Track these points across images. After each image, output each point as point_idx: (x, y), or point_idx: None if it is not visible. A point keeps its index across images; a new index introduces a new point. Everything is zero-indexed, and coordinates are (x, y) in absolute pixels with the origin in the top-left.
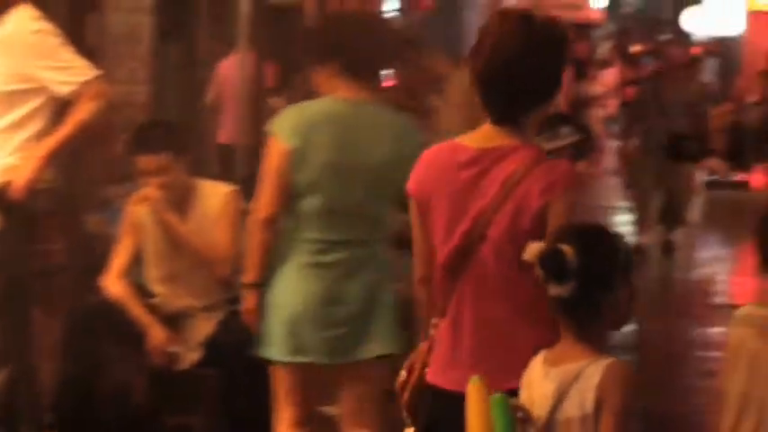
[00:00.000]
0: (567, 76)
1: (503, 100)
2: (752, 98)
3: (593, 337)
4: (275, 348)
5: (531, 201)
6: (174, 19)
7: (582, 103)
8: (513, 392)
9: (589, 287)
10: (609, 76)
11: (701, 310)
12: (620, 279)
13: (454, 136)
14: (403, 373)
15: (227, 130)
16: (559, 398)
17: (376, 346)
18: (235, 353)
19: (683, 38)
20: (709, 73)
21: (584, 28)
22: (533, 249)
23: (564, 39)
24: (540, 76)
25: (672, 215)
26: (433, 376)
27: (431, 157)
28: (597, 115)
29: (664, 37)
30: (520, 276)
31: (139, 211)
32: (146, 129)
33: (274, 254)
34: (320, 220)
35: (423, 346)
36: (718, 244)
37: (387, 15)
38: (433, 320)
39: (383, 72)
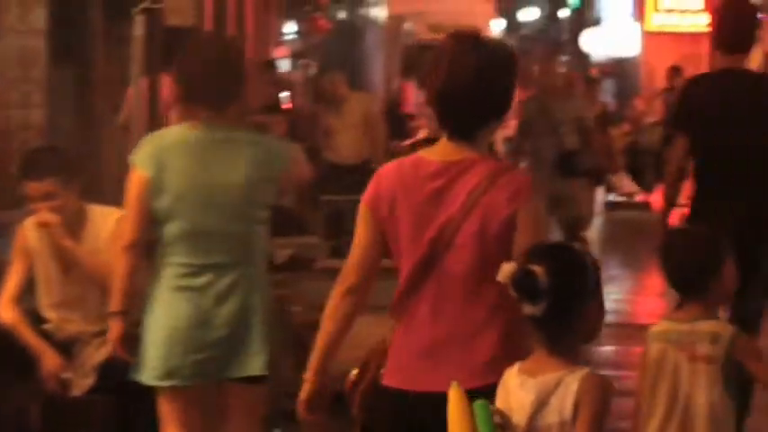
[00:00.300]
0: None
1: (460, 117)
2: (650, 119)
3: (566, 350)
4: (149, 372)
5: (500, 209)
6: (69, 42)
7: None
8: (472, 393)
9: (561, 304)
10: None
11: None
12: (589, 294)
13: (350, 156)
14: (354, 372)
15: None
16: (539, 406)
17: (244, 367)
18: (128, 378)
19: (583, 59)
20: (606, 94)
21: None
22: (506, 270)
23: (513, 59)
24: (494, 95)
25: (569, 235)
26: (391, 376)
27: (390, 171)
28: (498, 136)
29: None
30: (483, 282)
31: (31, 235)
32: (33, 155)
33: (149, 279)
34: (185, 245)
35: (378, 346)
36: (618, 265)
37: (287, 38)
38: (391, 323)
39: (233, 96)
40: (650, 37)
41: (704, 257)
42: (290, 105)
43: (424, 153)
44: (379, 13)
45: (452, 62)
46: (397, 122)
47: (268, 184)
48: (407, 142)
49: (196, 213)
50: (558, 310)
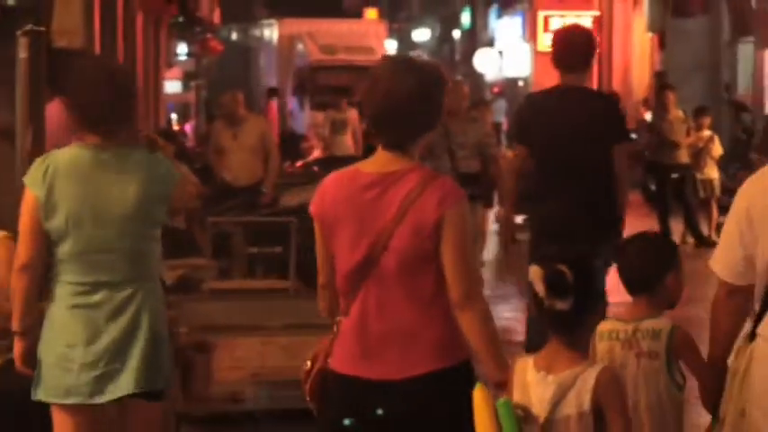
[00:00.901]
0: (356, 119)
1: (394, 131)
2: None
3: (580, 345)
4: (45, 390)
5: (429, 213)
6: None
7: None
8: (415, 380)
9: (585, 301)
10: None
11: None
12: (602, 295)
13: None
14: (307, 363)
15: None
16: (558, 399)
17: (130, 383)
18: (15, 400)
19: (476, 79)
20: (499, 114)
21: None
22: (535, 271)
23: (442, 78)
24: (425, 111)
25: None
26: (339, 365)
27: (331, 183)
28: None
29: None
30: (419, 277)
31: None
32: None
33: (47, 297)
34: (77, 264)
35: (325, 339)
36: (512, 284)
37: (178, 60)
38: (337, 318)
39: (125, 119)
40: (541, 57)
41: (653, 261)
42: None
43: (360, 165)
44: (272, 34)
45: (389, 82)
46: (289, 143)
47: (158, 203)
48: (300, 163)
49: (87, 233)
50: (582, 306)
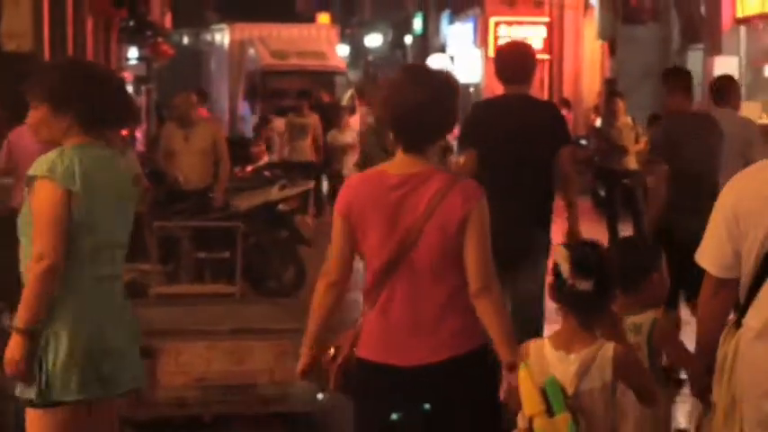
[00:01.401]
0: (318, 124)
1: (413, 135)
2: None
3: (595, 325)
4: (75, 387)
5: (455, 211)
6: None
7: (335, 151)
8: (439, 364)
9: (605, 282)
10: (354, 123)
11: None
12: (616, 282)
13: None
14: (331, 352)
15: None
16: (582, 375)
17: (135, 379)
18: None
19: None
20: None
21: (330, 75)
22: (562, 252)
23: (456, 85)
24: (441, 116)
25: None
26: (369, 354)
27: (357, 182)
28: (350, 163)
29: None
30: (445, 270)
31: None
32: None
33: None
34: (98, 257)
35: (350, 332)
36: None
37: (129, 64)
38: (363, 309)
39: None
40: (492, 63)
41: (639, 262)
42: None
43: (385, 167)
44: (223, 39)
45: (404, 91)
46: (239, 148)
47: (135, 201)
48: (251, 168)
49: (110, 227)
50: (603, 288)
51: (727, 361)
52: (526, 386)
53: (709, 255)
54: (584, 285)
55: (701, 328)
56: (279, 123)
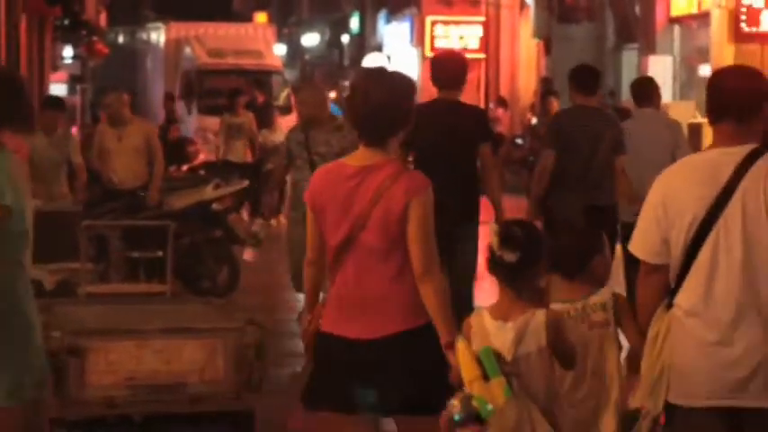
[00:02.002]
0: (253, 124)
1: (374, 131)
2: None
3: (526, 295)
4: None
5: (398, 200)
6: None
7: (268, 151)
8: (387, 338)
9: (530, 256)
10: (287, 123)
11: None
12: (542, 256)
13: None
14: (305, 325)
15: None
16: (518, 341)
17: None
18: None
19: None
20: None
21: (267, 75)
22: (495, 229)
23: (412, 86)
24: (399, 113)
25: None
26: (327, 326)
27: (323, 174)
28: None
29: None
30: (390, 252)
31: None
32: None
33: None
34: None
35: (319, 306)
36: None
37: (64, 63)
38: (327, 286)
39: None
40: (429, 62)
41: (583, 247)
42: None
43: (346, 159)
44: (159, 37)
45: (367, 92)
46: (175, 147)
47: None
48: (186, 167)
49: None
50: (528, 259)
51: (659, 338)
52: (464, 355)
53: (641, 243)
54: (510, 257)
55: (639, 310)
56: (212, 123)
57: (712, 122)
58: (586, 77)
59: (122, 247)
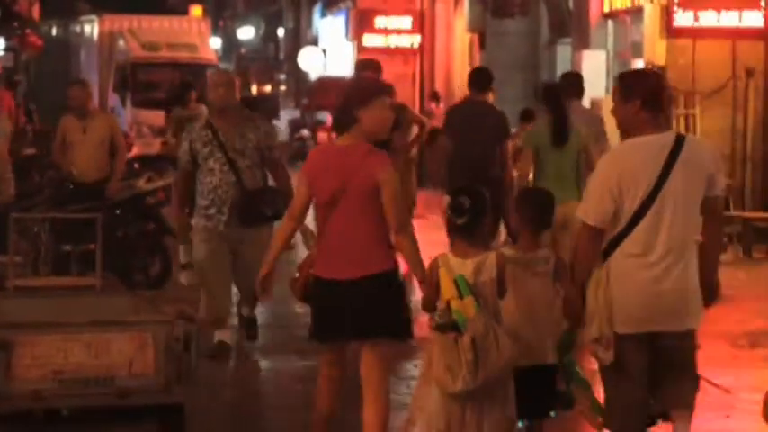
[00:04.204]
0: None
1: (342, 124)
2: None
3: (477, 241)
4: None
5: (370, 173)
6: None
7: None
8: (369, 277)
9: (475, 218)
10: None
11: None
12: (487, 213)
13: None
14: (296, 274)
15: None
16: (477, 272)
17: None
18: None
19: (302, 75)
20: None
21: (202, 68)
22: (445, 200)
23: (355, 89)
24: (346, 112)
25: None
26: (319, 272)
27: (318, 151)
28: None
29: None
30: (367, 214)
31: None
32: None
33: None
34: None
35: (308, 258)
36: None
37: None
38: (317, 240)
39: None
40: (364, 55)
41: (546, 207)
42: None
43: (335, 141)
44: (92, 30)
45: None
46: None
47: None
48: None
49: None
50: (474, 221)
51: (602, 278)
52: (444, 279)
53: (592, 211)
54: (460, 221)
55: (578, 265)
56: (147, 116)
57: (641, 112)
58: (480, 77)
59: (52, 240)
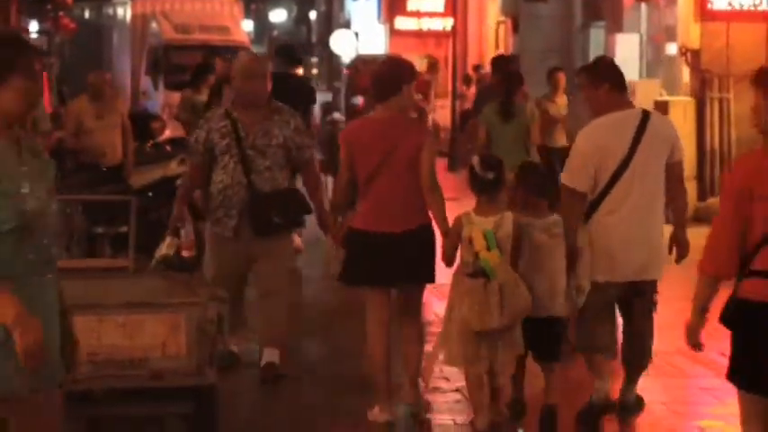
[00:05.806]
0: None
1: (386, 92)
2: None
3: (497, 201)
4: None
5: (413, 141)
6: None
7: None
8: (410, 231)
9: (501, 175)
10: None
11: None
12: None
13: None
14: (338, 227)
15: None
16: (497, 227)
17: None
18: None
19: (334, 58)
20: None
21: (234, 51)
22: (475, 158)
23: (401, 64)
24: (392, 80)
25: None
26: (362, 225)
27: (358, 124)
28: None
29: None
30: (409, 173)
31: None
32: None
33: None
34: None
35: (349, 216)
36: None
37: (32, 37)
38: (358, 202)
39: None
40: (396, 39)
41: (545, 177)
42: None
43: (373, 114)
44: (125, 13)
45: (374, 73)
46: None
47: None
48: (151, 142)
49: None
50: (500, 177)
51: (589, 233)
52: (476, 233)
53: (577, 176)
54: (490, 175)
55: (567, 226)
56: (175, 98)
57: (610, 94)
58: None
59: (85, 222)
